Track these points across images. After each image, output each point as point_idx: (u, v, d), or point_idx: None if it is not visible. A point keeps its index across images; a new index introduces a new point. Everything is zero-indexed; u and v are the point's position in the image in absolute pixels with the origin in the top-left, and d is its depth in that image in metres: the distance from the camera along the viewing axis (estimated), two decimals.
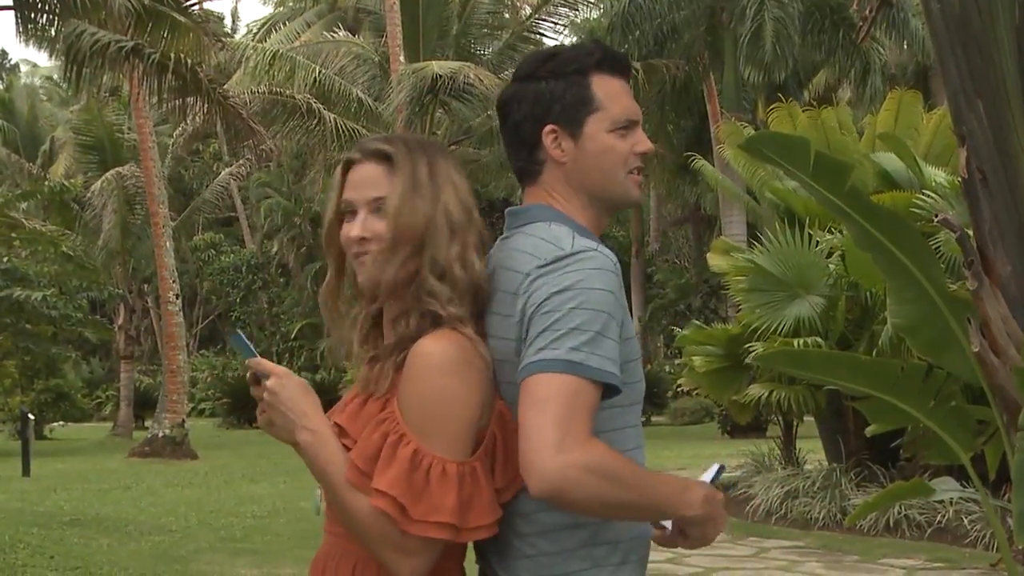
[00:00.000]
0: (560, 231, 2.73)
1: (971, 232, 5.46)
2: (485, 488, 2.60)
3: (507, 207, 3.00)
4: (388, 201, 2.72)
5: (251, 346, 2.78)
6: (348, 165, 2.82)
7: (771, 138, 5.46)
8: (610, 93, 2.83)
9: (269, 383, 2.71)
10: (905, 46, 35.56)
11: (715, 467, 2.96)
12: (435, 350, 2.60)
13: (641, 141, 2.87)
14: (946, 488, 6.47)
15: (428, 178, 2.74)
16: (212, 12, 52.99)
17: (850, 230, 5.60)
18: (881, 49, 33.95)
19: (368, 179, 2.76)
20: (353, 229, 2.75)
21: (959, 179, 5.49)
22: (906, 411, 5.78)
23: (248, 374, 2.78)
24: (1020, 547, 5.23)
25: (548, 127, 2.83)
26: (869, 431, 6.77)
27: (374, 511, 2.55)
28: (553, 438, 2.45)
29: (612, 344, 2.58)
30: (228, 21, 69.86)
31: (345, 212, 2.79)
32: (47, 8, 22.14)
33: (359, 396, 2.77)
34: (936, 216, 5.47)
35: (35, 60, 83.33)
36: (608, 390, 2.58)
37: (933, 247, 10.15)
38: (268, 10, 59.82)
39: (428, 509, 2.53)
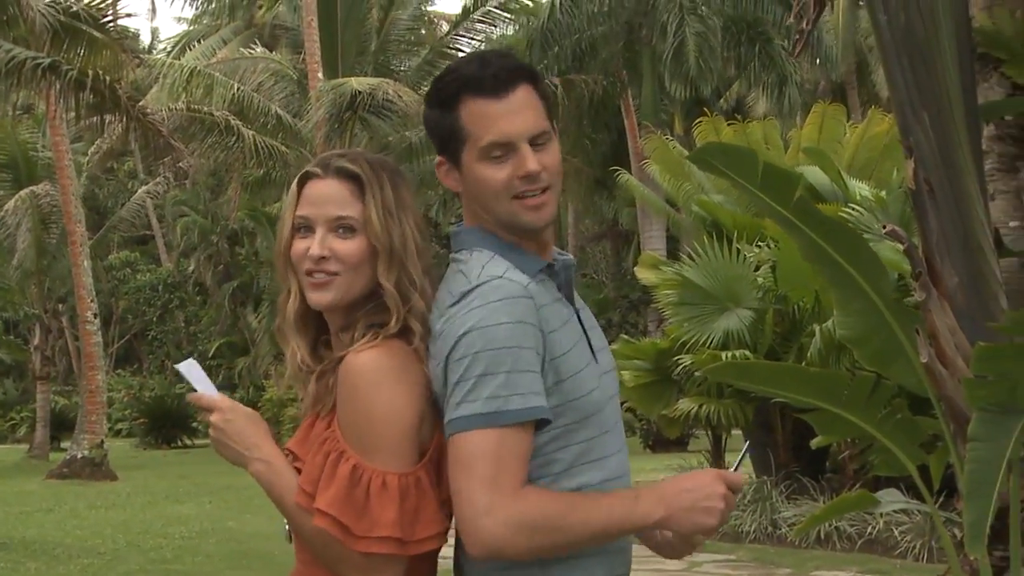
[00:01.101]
0: (476, 260, 2.67)
1: (918, 242, 5.49)
2: (432, 497, 2.57)
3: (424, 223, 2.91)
4: (366, 221, 2.68)
5: (189, 377, 2.77)
6: (304, 180, 2.76)
7: (719, 149, 5.46)
8: (477, 119, 2.67)
9: (213, 419, 2.71)
10: (817, 63, 35.91)
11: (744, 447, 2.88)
12: (366, 360, 2.57)
13: (521, 164, 2.65)
14: (891, 499, 6.49)
15: (395, 201, 2.72)
16: (127, 29, 52.47)
17: (797, 241, 5.60)
18: (796, 63, 34.28)
19: (330, 197, 2.71)
20: (312, 247, 2.69)
21: (907, 190, 5.51)
22: (854, 423, 5.79)
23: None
24: (972, 558, 5.25)
25: (438, 159, 2.76)
26: (815, 443, 6.77)
27: (321, 532, 2.52)
28: (482, 503, 2.45)
29: (531, 376, 2.52)
30: (147, 39, 69.38)
31: (299, 228, 2.73)
32: None
33: (309, 416, 2.73)
34: (884, 227, 5.47)
35: None
36: (543, 421, 2.55)
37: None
38: (183, 27, 59.35)
39: (370, 525, 2.50)
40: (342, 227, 2.69)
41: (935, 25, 5.26)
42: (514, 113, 2.67)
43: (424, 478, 2.57)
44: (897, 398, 5.81)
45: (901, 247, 5.44)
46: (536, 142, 2.69)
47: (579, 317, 2.80)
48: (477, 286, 2.57)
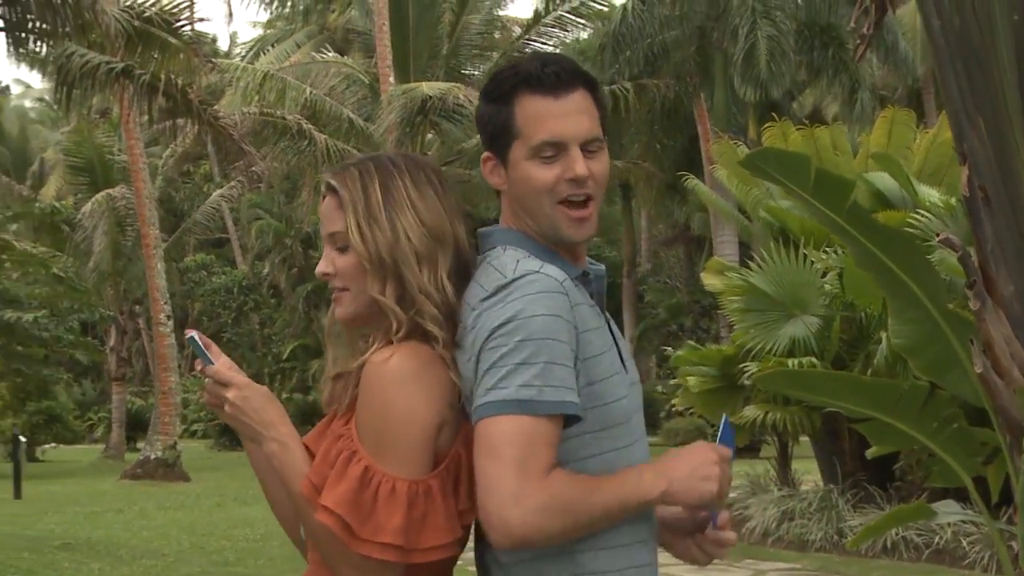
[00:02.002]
0: (509, 256, 2.64)
1: (973, 251, 5.39)
2: (441, 508, 2.54)
3: None
4: (349, 236, 2.67)
5: (206, 350, 2.74)
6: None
7: (771, 155, 5.41)
8: (531, 116, 2.65)
9: (231, 395, 2.69)
10: (894, 67, 35.53)
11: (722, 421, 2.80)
12: (390, 361, 2.54)
13: (570, 167, 2.63)
14: (948, 511, 6.41)
15: (381, 204, 2.68)
16: (204, 34, 52.87)
17: (851, 248, 5.54)
18: (870, 68, 33.99)
19: (326, 214, 2.74)
20: (319, 264, 2.75)
21: (961, 198, 5.42)
22: (908, 433, 5.71)
23: (206, 381, 2.73)
24: None
25: (485, 154, 2.74)
26: (870, 453, 6.70)
27: (324, 527, 2.52)
28: (510, 489, 2.41)
29: (565, 370, 2.49)
30: (225, 44, 69.92)
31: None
32: (37, 30, 22.14)
33: (328, 414, 2.75)
34: (938, 235, 5.39)
35: (28, 81, 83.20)
36: (572, 418, 2.52)
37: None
38: (259, 32, 59.78)
39: (374, 529, 2.48)
40: (338, 244, 2.71)
41: (991, 28, 5.17)
42: (570, 115, 2.65)
43: (435, 487, 2.54)
44: (956, 408, 5.73)
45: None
46: (588, 148, 2.66)
47: (610, 327, 2.78)
48: (514, 280, 2.55)
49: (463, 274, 2.69)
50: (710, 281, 16.52)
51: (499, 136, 2.69)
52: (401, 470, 2.51)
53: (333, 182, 2.72)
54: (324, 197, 2.76)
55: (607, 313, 2.81)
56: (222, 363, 2.75)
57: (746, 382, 14.42)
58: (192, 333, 2.77)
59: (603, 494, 2.49)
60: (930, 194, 13.89)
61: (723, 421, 2.77)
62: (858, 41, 8.11)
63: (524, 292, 2.52)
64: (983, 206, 5.25)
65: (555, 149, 2.63)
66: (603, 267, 2.85)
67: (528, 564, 2.59)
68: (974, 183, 5.22)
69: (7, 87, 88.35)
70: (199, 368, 2.79)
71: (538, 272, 2.56)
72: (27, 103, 77.03)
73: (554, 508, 2.42)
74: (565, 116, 2.65)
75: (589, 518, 2.47)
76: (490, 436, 2.45)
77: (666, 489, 2.51)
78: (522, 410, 2.44)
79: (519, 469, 2.41)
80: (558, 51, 37.97)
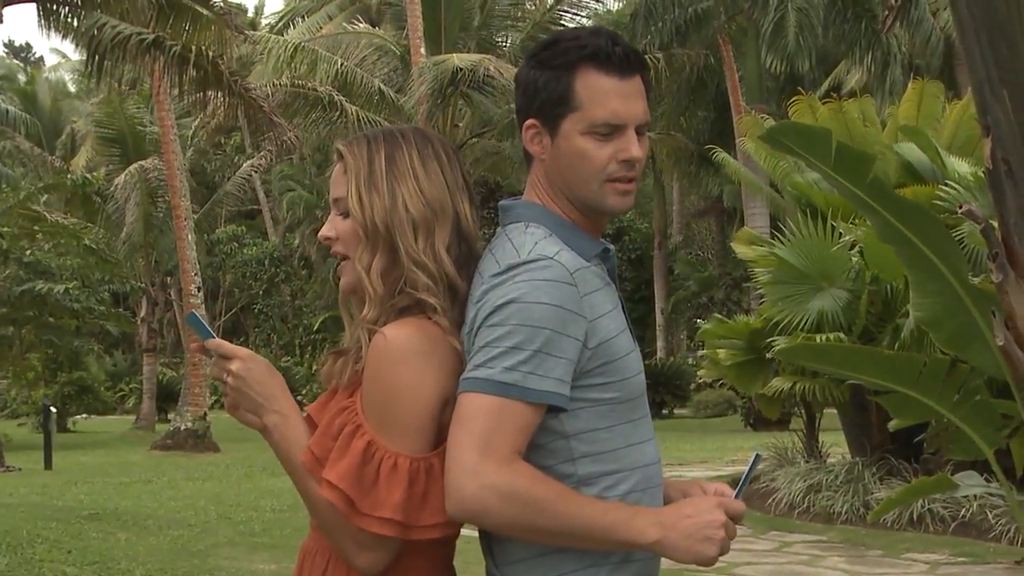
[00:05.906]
0: (530, 235, 2.64)
1: (996, 223, 5.37)
2: (442, 486, 2.53)
3: None
4: (348, 202, 2.72)
5: (208, 327, 2.77)
6: None
7: (792, 129, 5.40)
8: (595, 92, 2.64)
9: (234, 367, 2.70)
10: (924, 43, 35.33)
11: (752, 458, 2.76)
12: (396, 337, 2.57)
13: (625, 148, 2.65)
14: (970, 483, 6.40)
15: (384, 172, 2.71)
16: (234, 4, 52.83)
17: (873, 222, 5.53)
18: (903, 41, 33.81)
19: (333, 179, 2.79)
20: (323, 228, 2.79)
21: (984, 170, 5.39)
22: (929, 405, 5.70)
23: (214, 358, 2.74)
24: None
25: (528, 120, 2.72)
26: (891, 425, 6.71)
27: (326, 501, 2.55)
28: (470, 460, 2.44)
29: (555, 361, 2.50)
30: (251, 14, 69.85)
31: None
32: (68, 1, 22.25)
33: (331, 387, 2.78)
34: (960, 207, 5.37)
35: (66, 52, 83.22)
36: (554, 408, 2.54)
37: (956, 239, 10.06)
38: (289, 2, 59.66)
39: (374, 504, 2.51)
40: (340, 209, 2.75)
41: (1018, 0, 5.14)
42: (632, 97, 2.68)
43: (437, 465, 2.55)
44: (977, 381, 5.71)
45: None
46: (639, 131, 2.70)
47: (622, 305, 2.79)
48: (526, 262, 2.55)
49: (465, 249, 2.73)
50: (741, 249, 16.46)
51: (552, 105, 2.68)
52: (404, 446, 2.54)
53: (342, 149, 2.77)
54: (335, 164, 2.80)
55: (620, 292, 2.83)
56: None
57: (774, 356, 14.39)
58: (192, 311, 2.82)
59: (578, 509, 2.47)
60: (959, 166, 13.80)
61: (753, 458, 2.76)
62: (886, 12, 8.07)
63: (532, 276, 2.53)
64: (1006, 178, 5.21)
65: (612, 129, 2.65)
66: (612, 247, 2.87)
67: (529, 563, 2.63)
68: (997, 155, 5.18)
69: (40, 58, 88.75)
70: (194, 346, 2.82)
71: (552, 259, 2.56)
72: (65, 75, 77.15)
73: (511, 494, 2.43)
74: (628, 97, 2.67)
75: (551, 525, 2.46)
76: (465, 408, 2.48)
77: (659, 540, 2.47)
78: (501, 392, 2.46)
79: (483, 445, 2.44)
80: (590, 22, 37.94)
